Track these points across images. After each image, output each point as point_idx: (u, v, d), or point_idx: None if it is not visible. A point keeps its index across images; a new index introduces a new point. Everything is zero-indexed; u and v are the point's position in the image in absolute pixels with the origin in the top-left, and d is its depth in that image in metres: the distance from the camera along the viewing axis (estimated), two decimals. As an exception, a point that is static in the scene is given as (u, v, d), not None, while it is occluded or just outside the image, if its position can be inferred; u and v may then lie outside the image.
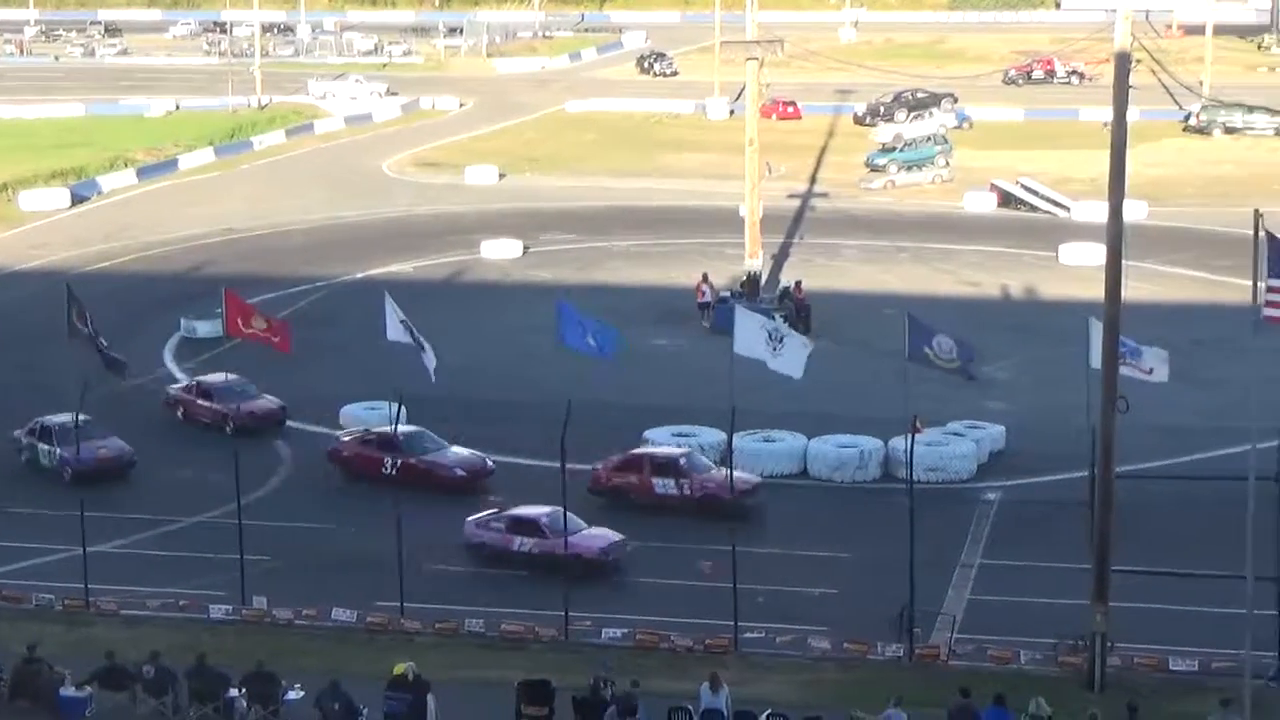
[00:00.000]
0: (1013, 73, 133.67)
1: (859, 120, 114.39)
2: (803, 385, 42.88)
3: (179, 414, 53.16)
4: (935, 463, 47.24)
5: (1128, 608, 36.34)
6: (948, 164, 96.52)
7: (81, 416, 47.72)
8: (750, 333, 44.09)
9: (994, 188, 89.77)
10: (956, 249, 77.88)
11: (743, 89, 79.58)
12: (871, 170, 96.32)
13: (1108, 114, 35.94)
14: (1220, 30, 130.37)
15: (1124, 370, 37.64)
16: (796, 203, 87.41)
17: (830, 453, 48.24)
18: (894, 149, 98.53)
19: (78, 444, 47.58)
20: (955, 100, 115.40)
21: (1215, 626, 35.86)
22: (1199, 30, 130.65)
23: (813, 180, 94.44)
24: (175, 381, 55.86)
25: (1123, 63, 35.57)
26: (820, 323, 62.96)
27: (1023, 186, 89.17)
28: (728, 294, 64.72)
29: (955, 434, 49.31)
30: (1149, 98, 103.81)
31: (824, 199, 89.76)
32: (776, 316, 60.16)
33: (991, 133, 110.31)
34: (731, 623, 36.98)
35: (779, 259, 73.85)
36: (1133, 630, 36.23)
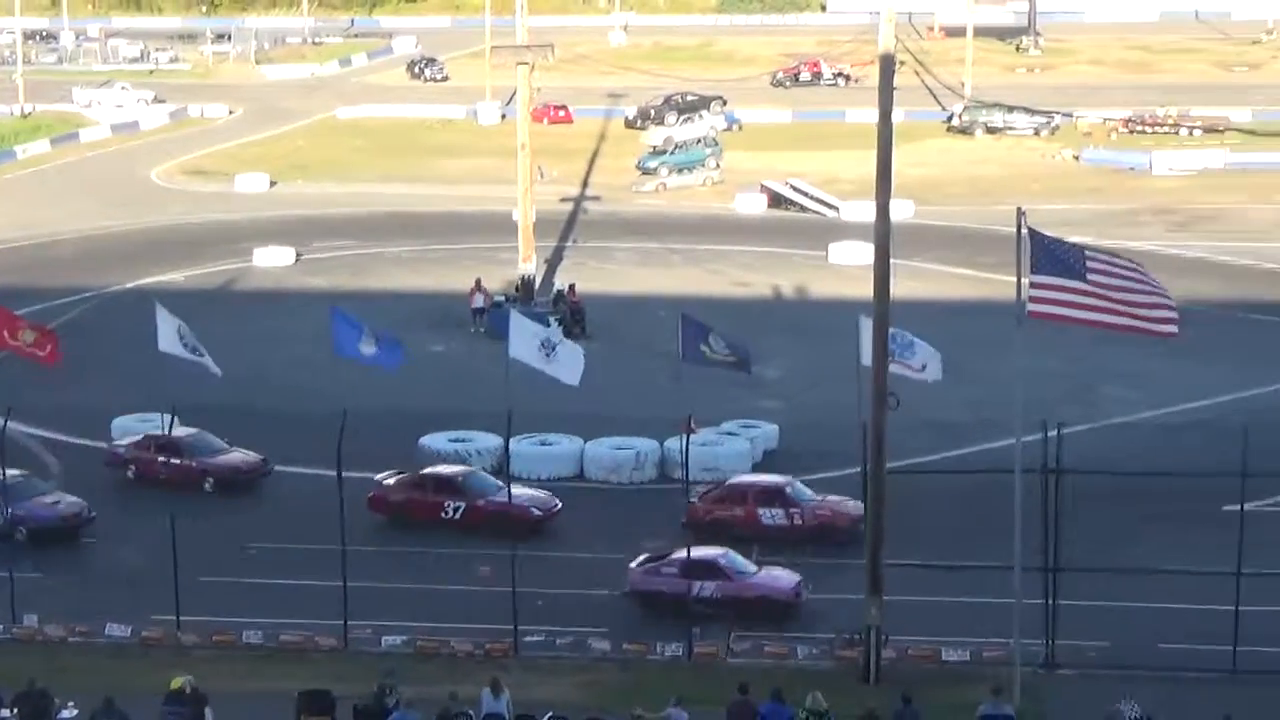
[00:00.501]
0: (780, 75, 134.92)
1: (630, 124, 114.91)
2: (578, 388, 42.99)
3: (129, 473, 48.64)
4: (710, 462, 47.56)
5: (901, 601, 36.95)
6: (718, 166, 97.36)
7: (20, 472, 44.89)
8: (524, 337, 44.05)
9: (764, 189, 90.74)
10: (728, 250, 78.60)
11: (514, 93, 79.66)
12: (643, 173, 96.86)
13: (874, 115, 36.43)
14: (980, 32, 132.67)
15: (894, 368, 38.24)
16: (569, 206, 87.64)
17: (606, 455, 48.48)
18: (665, 152, 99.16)
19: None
20: (724, 103, 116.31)
21: (986, 616, 36.55)
22: (960, 32, 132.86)
23: (585, 184, 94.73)
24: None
25: (887, 64, 36.09)
26: (595, 325, 63.32)
27: (792, 187, 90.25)
28: (502, 298, 64.73)
29: (729, 433, 49.79)
30: (913, 99, 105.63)
31: (596, 202, 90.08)
32: (552, 320, 60.41)
33: (761, 135, 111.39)
34: (512, 627, 37.03)
35: (553, 263, 74.01)
36: (906, 623, 36.86)
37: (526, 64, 66.56)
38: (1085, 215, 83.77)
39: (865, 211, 64.37)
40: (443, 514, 44.26)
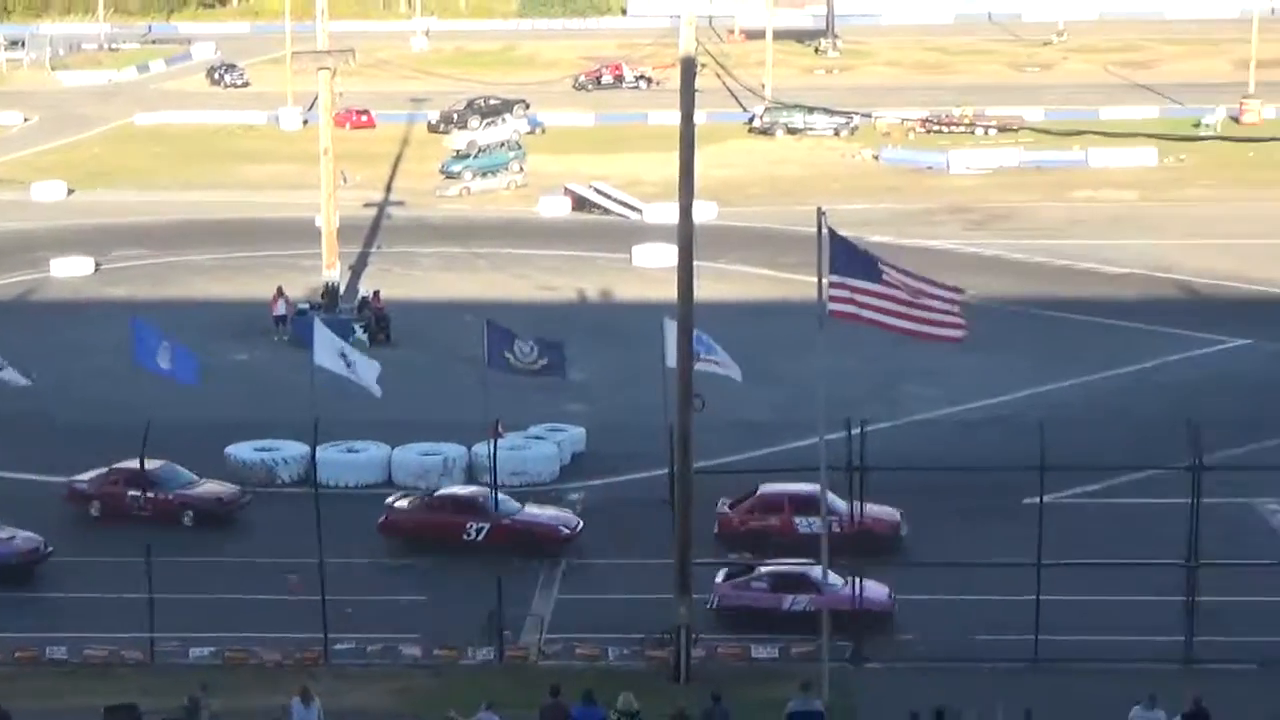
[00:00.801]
0: (582, 78, 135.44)
1: (433, 128, 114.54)
2: (385, 395, 42.89)
3: (91, 509, 45.69)
4: (518, 466, 47.67)
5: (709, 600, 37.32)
6: (521, 170, 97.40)
7: None
8: (329, 345, 43.93)
9: (568, 192, 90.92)
10: (533, 254, 78.67)
11: (315, 99, 79.10)
12: (447, 177, 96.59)
13: (676, 117, 36.70)
14: (780, 35, 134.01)
15: (700, 367, 38.54)
16: (373, 212, 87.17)
17: (414, 461, 48.32)
18: (468, 156, 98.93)
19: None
20: (527, 106, 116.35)
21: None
22: (759, 35, 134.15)
23: (389, 189, 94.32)
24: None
25: (688, 67, 36.35)
26: (400, 332, 63.10)
27: (595, 190, 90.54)
28: (306, 306, 64.31)
29: (537, 437, 49.88)
30: (714, 101, 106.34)
31: (400, 207, 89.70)
32: (357, 327, 60.22)
33: (564, 138, 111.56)
34: (321, 635, 36.84)
35: (357, 269, 73.63)
36: (715, 622, 37.17)
37: (328, 69, 66.08)
38: (885, 214, 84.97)
39: (668, 213, 64.81)
40: (465, 536, 42.85)
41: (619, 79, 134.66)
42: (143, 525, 43.92)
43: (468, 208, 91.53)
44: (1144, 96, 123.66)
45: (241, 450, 48.83)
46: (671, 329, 38.04)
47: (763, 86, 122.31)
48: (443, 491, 44.77)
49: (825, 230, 33.01)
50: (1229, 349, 61.63)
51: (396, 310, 64.43)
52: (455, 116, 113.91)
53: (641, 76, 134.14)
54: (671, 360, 37.85)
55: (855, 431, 36.20)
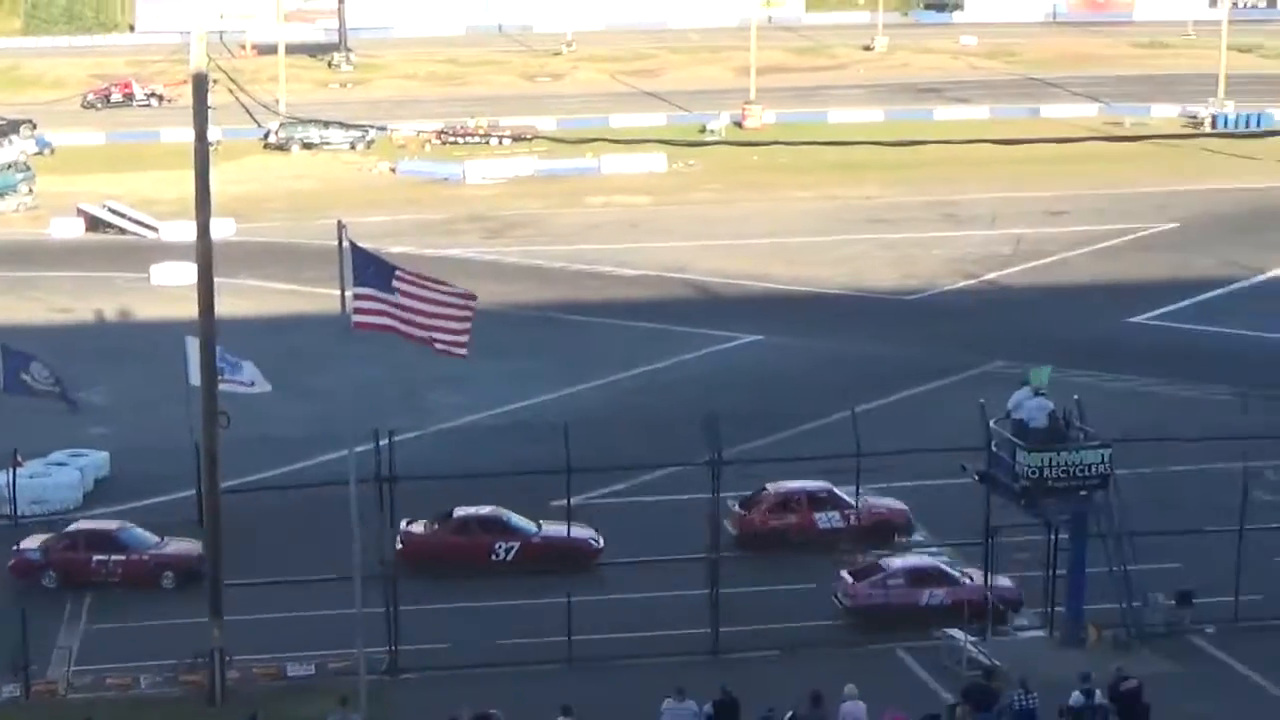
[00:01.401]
0: (91, 97, 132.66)
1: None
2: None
3: (45, 579, 41.79)
4: (39, 495, 46.43)
5: (245, 620, 36.98)
6: (31, 191, 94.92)
7: None
8: None
9: (81, 212, 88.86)
10: (46, 276, 76.59)
11: None
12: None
13: (190, 134, 36.36)
14: (292, 50, 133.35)
15: (224, 386, 38.22)
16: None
17: (-71, 495, 46.64)
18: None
19: None
20: (34, 126, 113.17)
21: (330, 628, 36.95)
22: (272, 50, 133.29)
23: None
24: None
25: (200, 83, 36.07)
26: (-93, 362, 60.78)
27: (109, 210, 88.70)
28: None
29: (58, 464, 48.63)
30: (229, 117, 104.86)
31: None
32: None
33: (75, 158, 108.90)
34: None
35: None
36: (251, 642, 36.91)
37: None
38: (405, 226, 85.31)
39: (186, 231, 63.77)
40: (493, 555, 42.02)
41: (129, 97, 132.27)
42: (113, 590, 41.37)
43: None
44: (652, 104, 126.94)
45: None
46: (194, 347, 37.68)
47: (277, 102, 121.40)
48: (460, 513, 43.16)
49: (346, 242, 33.12)
50: (741, 345, 63.77)
51: (-98, 340, 62.07)
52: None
53: (153, 94, 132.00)
54: (195, 378, 37.48)
55: (384, 442, 36.41)
